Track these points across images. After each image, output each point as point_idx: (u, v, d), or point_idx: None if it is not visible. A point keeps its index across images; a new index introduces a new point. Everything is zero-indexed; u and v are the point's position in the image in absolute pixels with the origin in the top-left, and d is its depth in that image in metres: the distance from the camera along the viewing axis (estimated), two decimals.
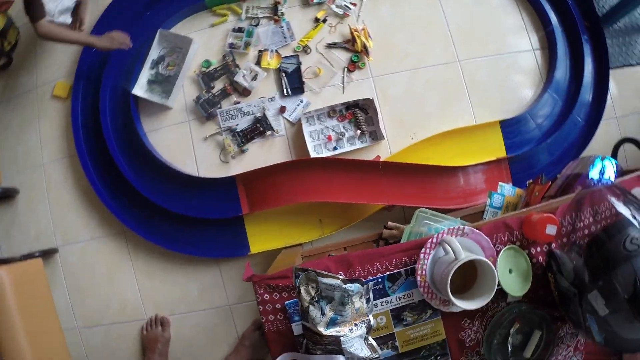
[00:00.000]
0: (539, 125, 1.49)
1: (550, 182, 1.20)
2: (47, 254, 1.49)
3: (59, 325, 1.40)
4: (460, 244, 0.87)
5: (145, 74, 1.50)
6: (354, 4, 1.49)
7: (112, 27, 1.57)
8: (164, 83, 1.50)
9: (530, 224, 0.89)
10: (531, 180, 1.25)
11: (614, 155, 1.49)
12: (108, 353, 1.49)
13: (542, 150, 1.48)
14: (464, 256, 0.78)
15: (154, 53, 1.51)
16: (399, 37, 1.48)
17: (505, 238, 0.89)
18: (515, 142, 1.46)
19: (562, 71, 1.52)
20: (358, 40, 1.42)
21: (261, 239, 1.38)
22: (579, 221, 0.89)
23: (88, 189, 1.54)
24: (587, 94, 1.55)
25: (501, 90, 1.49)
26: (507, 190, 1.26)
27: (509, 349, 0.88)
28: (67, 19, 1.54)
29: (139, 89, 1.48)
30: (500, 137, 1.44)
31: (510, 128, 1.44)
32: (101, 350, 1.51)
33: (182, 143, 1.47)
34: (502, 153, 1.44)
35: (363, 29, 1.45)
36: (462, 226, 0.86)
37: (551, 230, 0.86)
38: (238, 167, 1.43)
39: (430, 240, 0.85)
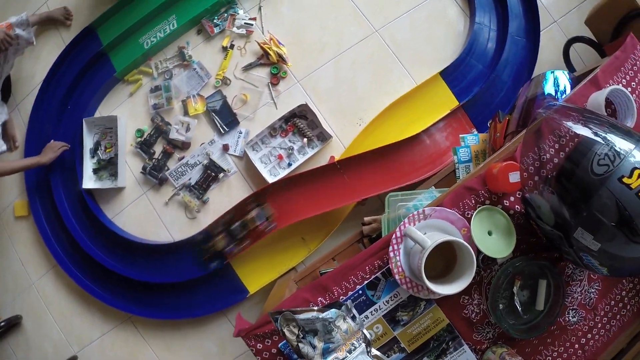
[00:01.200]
0: (479, 60, 1.36)
1: (507, 118, 1.09)
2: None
3: None
4: (428, 226, 0.78)
5: (88, 165, 1.43)
6: (253, 19, 1.38)
7: (42, 134, 1.51)
8: (109, 167, 1.43)
9: (492, 177, 0.78)
10: (491, 121, 1.14)
11: (567, 60, 1.36)
12: None
13: (493, 84, 1.35)
14: (430, 243, 0.69)
15: (88, 142, 1.43)
16: (309, 32, 1.37)
17: (473, 202, 0.79)
18: (463, 87, 1.33)
19: None
20: (270, 52, 1.32)
21: (255, 277, 1.31)
22: (544, 153, 0.78)
23: (81, 291, 1.49)
24: (517, 9, 1.41)
25: (430, 41, 1.37)
26: (469, 140, 1.15)
27: (519, 308, 0.79)
28: (2, 145, 1.50)
29: (88, 181, 1.41)
30: (446, 87, 1.32)
31: (452, 75, 1.32)
32: None
33: (148, 216, 1.40)
34: (453, 103, 1.32)
35: (271, 39, 1.34)
36: (421, 209, 0.77)
37: (515, 177, 0.76)
38: (207, 218, 1.35)
39: (393, 236, 0.76)
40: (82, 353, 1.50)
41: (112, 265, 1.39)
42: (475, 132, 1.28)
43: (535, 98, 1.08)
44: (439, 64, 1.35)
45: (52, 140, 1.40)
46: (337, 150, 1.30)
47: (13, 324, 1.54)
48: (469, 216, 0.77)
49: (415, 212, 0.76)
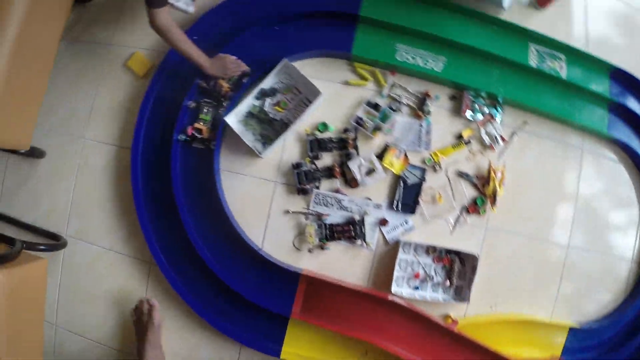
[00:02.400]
0: (599, 340, 1.32)
1: None
2: (53, 248, 1.15)
3: (42, 321, 1.13)
4: None
5: (247, 102, 1.13)
6: (504, 140, 1.18)
7: (222, 25, 1.15)
8: (264, 124, 1.14)
9: None
10: None
11: None
12: None
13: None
14: None
15: (267, 82, 1.12)
16: (530, 194, 1.21)
17: None
18: (574, 348, 1.28)
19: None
20: (491, 184, 1.14)
21: (298, 344, 1.13)
22: None
23: (127, 196, 1.19)
24: None
25: (588, 289, 1.29)
26: None
27: None
28: (189, 5, 1.14)
29: (233, 118, 1.11)
30: (563, 339, 1.25)
31: (576, 336, 1.26)
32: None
33: (258, 203, 1.14)
34: (557, 353, 1.26)
35: (501, 172, 1.16)
36: None
37: None
38: (309, 262, 1.13)
39: None
40: (73, 244, 1.21)
41: (181, 205, 1.12)
42: None
43: None
44: (576, 311, 1.28)
45: (235, 58, 1.08)
46: (455, 310, 1.17)
47: (33, 154, 1.18)
48: None
49: None
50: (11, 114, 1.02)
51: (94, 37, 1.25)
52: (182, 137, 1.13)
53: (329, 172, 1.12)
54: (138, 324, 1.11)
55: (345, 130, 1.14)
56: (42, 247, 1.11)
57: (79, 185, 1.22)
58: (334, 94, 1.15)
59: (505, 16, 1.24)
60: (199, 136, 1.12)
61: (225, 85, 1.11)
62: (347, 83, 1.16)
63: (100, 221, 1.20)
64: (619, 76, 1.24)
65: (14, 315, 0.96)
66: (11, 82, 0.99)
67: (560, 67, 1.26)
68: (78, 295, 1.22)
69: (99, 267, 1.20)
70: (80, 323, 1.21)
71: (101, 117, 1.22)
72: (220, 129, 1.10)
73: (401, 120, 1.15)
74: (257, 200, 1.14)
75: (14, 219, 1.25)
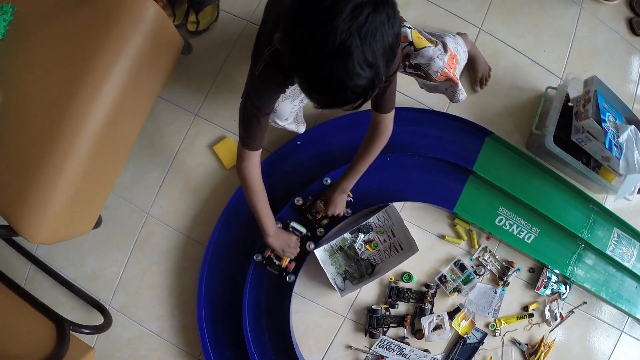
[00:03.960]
0: None
1: None
2: (98, 331, 1.06)
3: None
4: None
5: (339, 238, 1.04)
6: (562, 317, 1.21)
7: (330, 140, 1.04)
8: (351, 261, 1.07)
9: None
10: None
11: None
12: None
13: None
14: None
15: (368, 219, 1.03)
16: None
17: None
18: None
19: None
20: (537, 355, 1.18)
21: None
22: None
23: (187, 289, 1.11)
24: None
25: None
26: None
27: None
28: (300, 126, 1.00)
29: (322, 250, 1.03)
30: None
31: None
32: None
33: (323, 332, 1.12)
34: None
35: (549, 348, 1.20)
36: None
37: None
38: None
39: None
40: (115, 315, 1.12)
41: (246, 321, 1.05)
42: None
43: None
44: None
45: (297, 242, 1.00)
46: None
47: None
48: None
49: None
50: (79, 208, 0.87)
51: (178, 98, 1.06)
52: (258, 257, 1.04)
53: (400, 320, 1.11)
54: None
55: (427, 286, 1.11)
56: (87, 330, 1.02)
57: (133, 261, 1.11)
58: (428, 247, 1.11)
59: (601, 197, 1.21)
60: (276, 262, 1.02)
61: (323, 209, 1.00)
62: (442, 237, 1.11)
63: (151, 304, 1.12)
64: None
65: None
66: (88, 175, 0.84)
67: (632, 254, 1.28)
68: None
69: (141, 347, 1.14)
70: None
71: (171, 197, 1.08)
72: (304, 261, 1.02)
73: (480, 285, 1.13)
74: (322, 330, 1.11)
75: (55, 271, 1.13)
